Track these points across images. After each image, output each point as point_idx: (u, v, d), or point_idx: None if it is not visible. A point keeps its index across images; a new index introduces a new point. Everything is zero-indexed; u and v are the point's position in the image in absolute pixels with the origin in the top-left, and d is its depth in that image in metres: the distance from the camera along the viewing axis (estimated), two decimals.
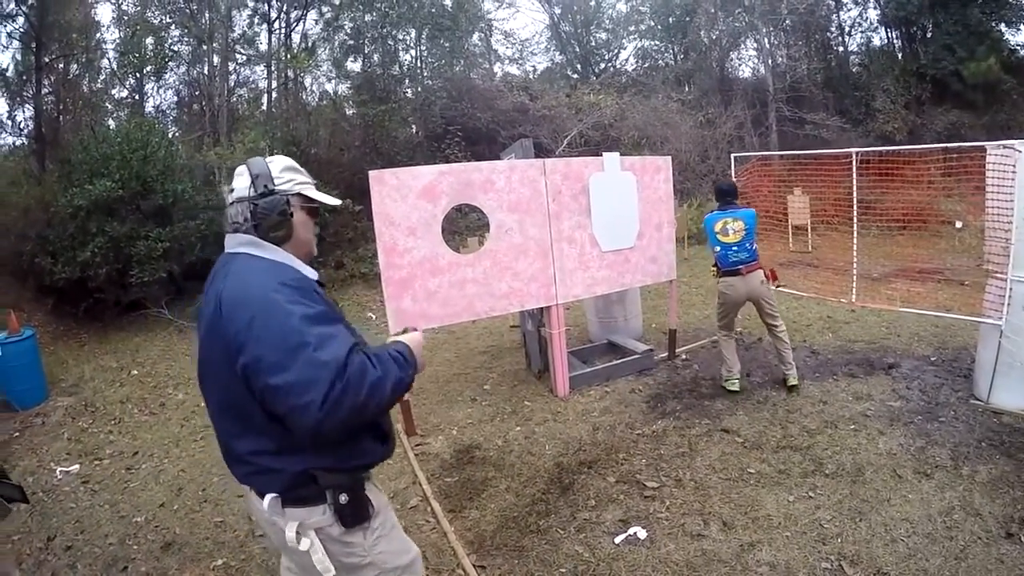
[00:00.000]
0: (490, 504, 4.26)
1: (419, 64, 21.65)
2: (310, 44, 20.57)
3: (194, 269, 11.16)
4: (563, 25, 27.65)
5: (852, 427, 5.10)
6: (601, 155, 6.33)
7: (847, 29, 30.79)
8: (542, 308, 6.09)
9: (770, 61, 26.05)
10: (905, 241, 12.34)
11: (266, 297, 1.74)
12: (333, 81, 21.56)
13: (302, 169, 2.13)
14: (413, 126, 19.56)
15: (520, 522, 4.02)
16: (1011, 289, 5.20)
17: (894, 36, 29.85)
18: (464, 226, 14.62)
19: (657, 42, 28.17)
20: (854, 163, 6.97)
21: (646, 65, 27.98)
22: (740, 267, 5.84)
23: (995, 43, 24.96)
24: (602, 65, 27.85)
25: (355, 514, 1.93)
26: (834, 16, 30.06)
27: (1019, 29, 28.24)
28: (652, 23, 27.78)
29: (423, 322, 5.37)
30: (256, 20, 20.19)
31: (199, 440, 6.11)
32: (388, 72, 19.94)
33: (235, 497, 4.62)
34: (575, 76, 26.48)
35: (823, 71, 26.49)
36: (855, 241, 7.29)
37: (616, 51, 28.68)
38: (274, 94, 20.80)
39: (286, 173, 2.03)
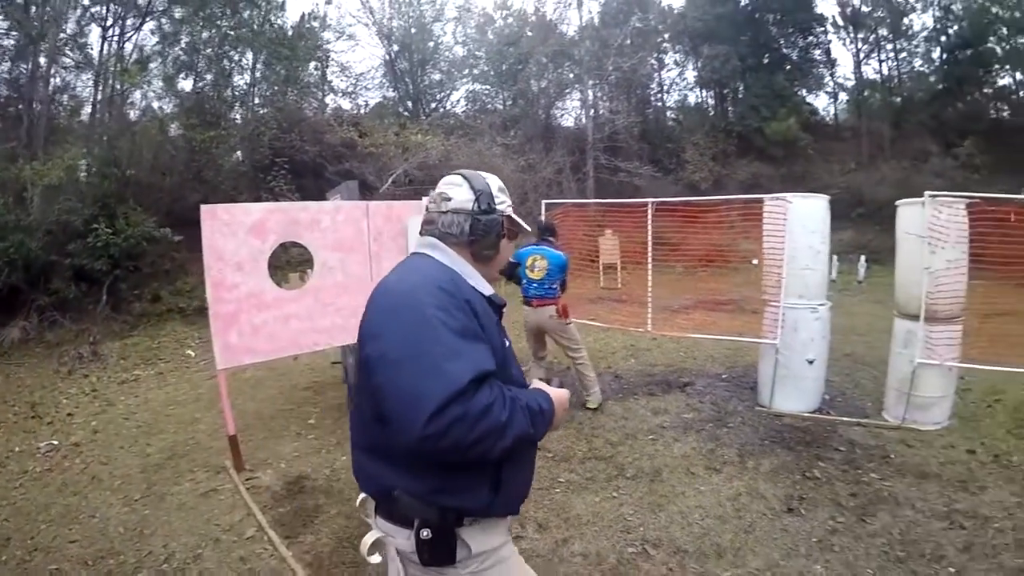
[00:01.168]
0: (323, 528, 4.43)
1: (252, 89, 21.22)
2: (144, 56, 19.28)
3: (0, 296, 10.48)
4: (400, 62, 28.02)
5: (650, 437, 5.83)
6: (423, 196, 6.70)
7: (666, 87, 33.53)
8: None
9: (592, 112, 27.67)
10: (707, 277, 13.70)
11: (413, 295, 1.70)
12: (162, 100, 20.27)
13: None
14: (239, 154, 19.05)
15: (354, 541, 4.15)
16: (783, 314, 6.40)
17: (708, 95, 32.77)
18: (285, 261, 14.50)
19: (488, 87, 29.23)
20: (649, 212, 7.78)
21: (476, 108, 28.82)
22: (532, 300, 6.41)
23: (795, 106, 27.95)
24: (433, 104, 28.42)
25: (435, 555, 1.76)
26: (656, 75, 32.62)
27: (817, 95, 31.79)
28: (486, 68, 28.88)
29: (248, 357, 5.48)
30: (85, 23, 18.52)
31: (18, 487, 5.74)
32: (220, 94, 19.46)
33: (67, 543, 4.48)
34: (406, 113, 26.80)
35: (640, 124, 28.24)
36: (650, 278, 8.10)
37: (448, 92, 29.38)
38: (98, 106, 18.87)
39: (501, 194, 2.02)
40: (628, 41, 29.11)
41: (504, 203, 2.02)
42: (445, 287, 1.73)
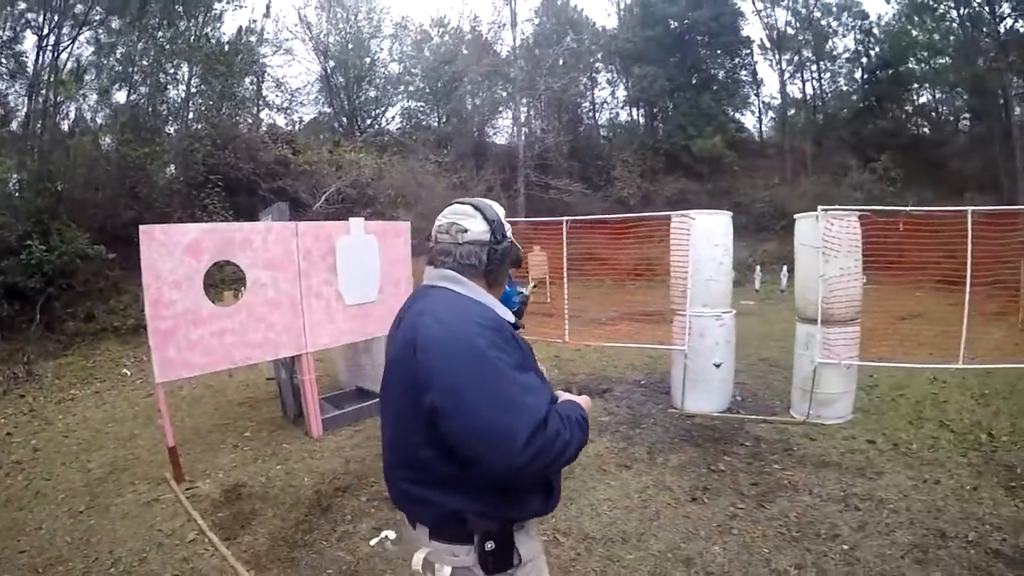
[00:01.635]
0: (260, 529, 4.65)
1: (187, 104, 20.71)
2: (79, 67, 18.32)
3: None
4: (336, 78, 28.06)
5: None
6: (354, 214, 6.93)
7: (598, 106, 34.30)
8: (294, 357, 6.55)
9: (524, 131, 28.25)
10: (635, 289, 14.16)
11: (469, 340, 1.74)
12: (96, 112, 19.13)
13: None
14: (173, 169, 18.58)
15: (288, 540, 4.47)
16: (690, 322, 6.91)
17: (638, 114, 33.62)
18: (219, 279, 14.21)
19: (423, 104, 29.50)
20: (564, 229, 8.20)
21: (411, 125, 29.08)
22: None
23: (721, 124, 28.85)
24: (368, 121, 28.50)
25: (498, 563, 1.89)
26: (588, 94, 33.35)
27: (743, 113, 32.91)
28: (421, 85, 29.16)
29: (185, 371, 5.65)
30: (20, 29, 17.32)
31: None
32: (155, 108, 18.97)
33: (16, 554, 4.52)
34: (340, 130, 26.81)
35: (571, 142, 28.92)
36: (566, 291, 8.53)
37: (384, 109, 29.50)
38: (30, 117, 17.77)
39: (506, 222, 2.09)
40: (561, 61, 29.88)
41: (508, 229, 2.10)
42: (489, 325, 1.81)
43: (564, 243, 8.35)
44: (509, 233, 2.08)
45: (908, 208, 6.84)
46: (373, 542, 4.44)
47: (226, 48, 20.72)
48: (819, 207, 6.54)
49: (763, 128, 35.10)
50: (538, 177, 25.79)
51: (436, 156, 23.56)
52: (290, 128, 25.60)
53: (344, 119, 28.13)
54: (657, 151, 29.42)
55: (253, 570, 4.08)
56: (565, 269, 8.48)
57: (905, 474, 5.32)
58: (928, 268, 6.86)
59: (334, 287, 6.71)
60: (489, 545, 1.86)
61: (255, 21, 23.21)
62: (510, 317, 1.99)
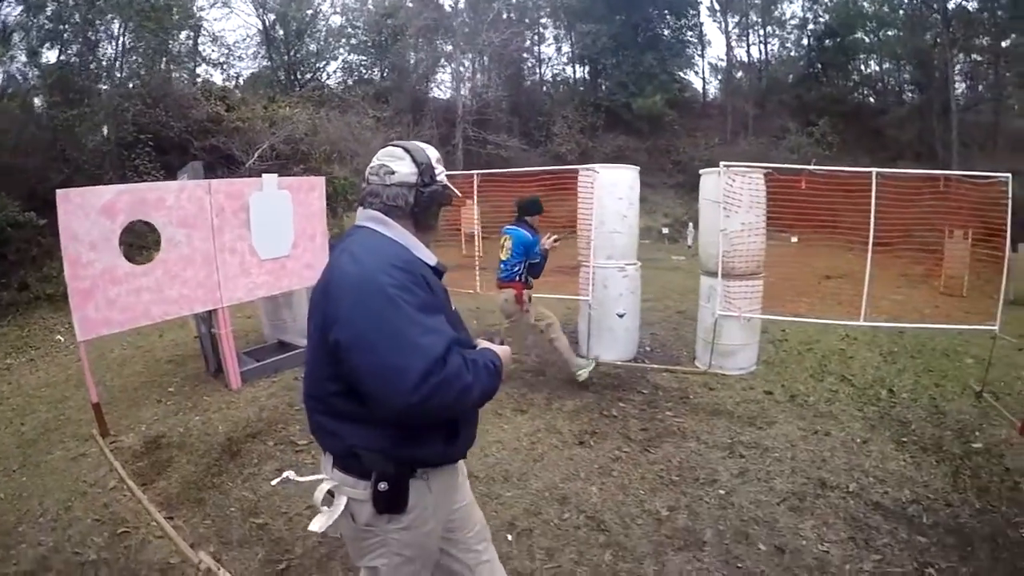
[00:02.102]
0: (174, 475, 4.85)
1: (119, 62, 19.82)
2: (6, 28, 17.63)
3: None
4: (276, 31, 27.38)
5: None
6: (287, 171, 6.96)
7: (543, 62, 34.18)
8: (211, 313, 6.69)
9: (467, 86, 28.15)
10: (573, 242, 14.46)
11: (374, 278, 1.77)
12: (25, 74, 18.54)
13: None
14: (106, 129, 17.65)
15: (198, 483, 4.68)
16: (594, 273, 7.18)
17: (583, 71, 33.66)
18: (152, 240, 13.86)
19: (365, 58, 29.09)
20: (475, 183, 8.58)
21: (352, 80, 28.68)
22: (497, 281, 6.33)
23: (663, 84, 29.07)
24: (308, 76, 27.92)
25: (389, 504, 1.93)
26: (535, 49, 33.20)
27: (686, 73, 33.17)
28: (364, 39, 28.67)
29: (106, 328, 5.75)
30: None
31: None
32: (86, 65, 18.20)
33: None
34: (279, 85, 26.30)
35: (512, 98, 28.98)
36: (479, 245, 9.10)
37: (325, 63, 28.97)
38: None
39: (439, 165, 2.11)
40: (505, 16, 29.76)
41: (441, 172, 2.12)
42: (400, 265, 1.83)
43: (475, 195, 8.71)
44: (441, 177, 2.11)
45: (811, 167, 7.04)
46: (274, 481, 4.57)
47: (160, 1, 19.60)
48: (721, 163, 6.71)
49: (707, 89, 35.58)
50: (476, 132, 25.68)
51: (375, 111, 23.20)
52: (227, 84, 25.03)
53: (283, 74, 27.63)
54: (598, 108, 29.66)
55: (164, 511, 4.28)
56: (477, 224, 8.97)
57: (796, 425, 5.56)
58: (861, 230, 7.06)
59: (248, 242, 6.81)
60: (382, 485, 1.90)
61: None
62: (431, 260, 2.05)
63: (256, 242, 6.89)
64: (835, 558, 3.61)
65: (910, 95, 30.09)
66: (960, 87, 27.27)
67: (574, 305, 8.73)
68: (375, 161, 2.08)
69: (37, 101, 17.69)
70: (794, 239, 15.20)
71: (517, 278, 6.22)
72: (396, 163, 2.04)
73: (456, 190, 2.22)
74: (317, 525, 1.93)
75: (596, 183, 7.19)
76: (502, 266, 6.25)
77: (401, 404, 1.68)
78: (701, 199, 7.19)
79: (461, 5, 29.38)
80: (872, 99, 31.73)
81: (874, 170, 6.79)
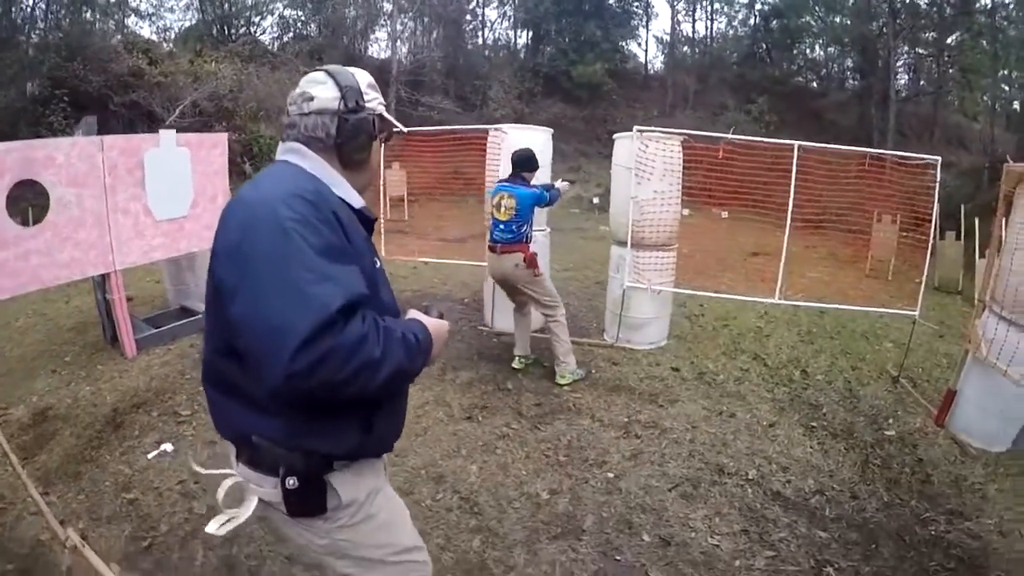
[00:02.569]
0: (56, 448, 4.66)
1: (47, 7, 18.82)
2: None
3: None
4: None
5: None
6: (210, 129, 6.65)
7: (485, 26, 33.75)
8: (104, 276, 6.40)
9: (399, 45, 27.56)
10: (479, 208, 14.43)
11: (271, 208, 1.43)
12: None
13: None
14: (29, 86, 16.93)
15: (78, 456, 4.51)
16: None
17: (527, 35, 33.32)
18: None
19: (301, 13, 28.13)
20: (381, 147, 8.14)
21: (289, 36, 27.78)
22: (497, 245, 5.66)
23: (604, 53, 28.91)
24: (243, 30, 26.85)
25: (303, 505, 1.60)
26: (478, 11, 32.74)
27: (628, 44, 33.09)
28: None
29: None
30: None
31: None
32: (8, 15, 17.36)
33: None
34: (210, 39, 24.98)
35: (449, 60, 28.64)
36: (383, 208, 8.81)
37: (262, 16, 27.83)
38: None
39: (371, 91, 1.79)
40: None
41: (375, 100, 1.79)
42: (307, 196, 1.49)
43: (382, 159, 8.22)
44: (374, 104, 1.78)
45: (729, 136, 6.85)
46: (151, 455, 4.51)
47: None
48: (635, 127, 6.47)
49: (649, 61, 35.52)
50: (409, 93, 25.12)
51: (308, 68, 22.15)
52: (155, 37, 24.04)
53: (218, 27, 26.50)
54: (537, 74, 29.28)
55: (42, 486, 4.13)
56: (383, 185, 8.59)
57: (701, 404, 5.40)
58: (797, 210, 6.92)
59: (143, 202, 6.49)
60: (291, 482, 1.55)
61: None
62: (356, 202, 1.72)
63: (152, 202, 6.55)
64: (725, 553, 3.46)
65: (852, 82, 30.43)
66: (903, 79, 27.71)
67: (479, 273, 8.58)
68: (295, 89, 1.75)
69: None
70: (724, 214, 15.32)
71: (525, 239, 5.62)
72: (316, 88, 1.70)
73: (397, 122, 1.94)
74: (214, 527, 1.57)
75: (504, 145, 6.81)
76: (502, 227, 5.58)
77: (278, 374, 1.27)
78: (613, 165, 6.90)
79: None
80: (815, 83, 32.05)
81: (796, 143, 6.57)
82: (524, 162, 5.65)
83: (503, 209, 5.54)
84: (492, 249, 5.71)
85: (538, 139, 6.90)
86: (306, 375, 1.27)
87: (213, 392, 1.64)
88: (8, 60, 16.17)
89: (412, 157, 13.47)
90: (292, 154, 1.69)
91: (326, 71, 1.74)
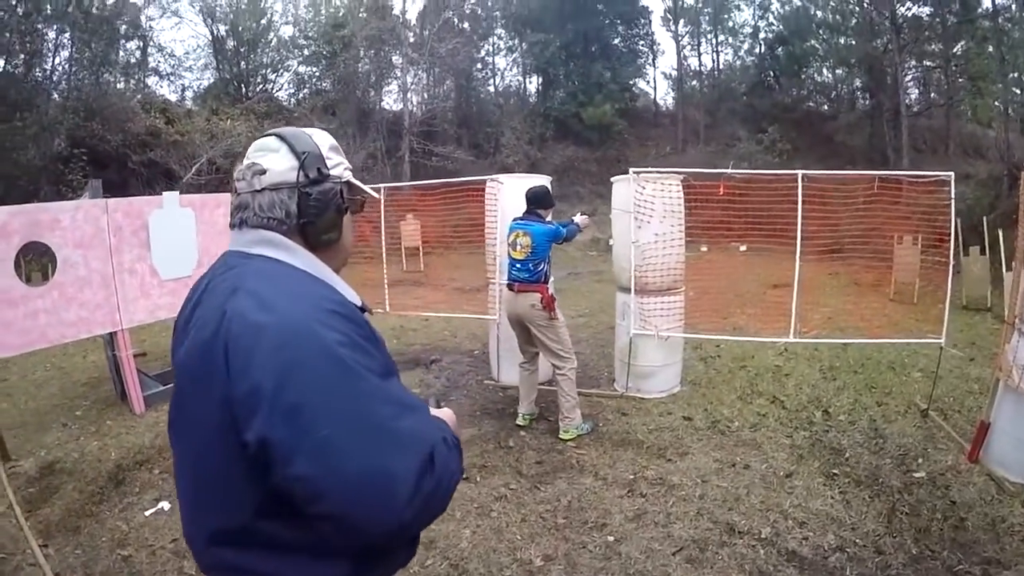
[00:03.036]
0: (59, 502, 4.73)
1: (68, 69, 19.38)
2: None
3: None
4: (229, 41, 26.99)
5: None
6: (227, 186, 6.66)
7: (493, 72, 34.21)
8: (112, 335, 6.50)
9: (411, 97, 28.05)
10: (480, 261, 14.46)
11: (310, 333, 1.16)
12: None
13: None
14: (55, 143, 17.21)
15: (79, 511, 4.57)
16: (500, 291, 6.50)
17: (536, 81, 33.71)
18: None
19: (315, 69, 28.68)
20: (382, 197, 8.16)
21: (304, 92, 28.42)
22: (513, 284, 5.48)
23: (613, 93, 29.14)
24: (259, 88, 27.59)
25: None
26: (488, 59, 33.21)
27: (635, 83, 33.37)
28: (317, 49, 28.28)
29: (2, 351, 5.58)
30: None
31: None
32: (31, 75, 17.97)
33: None
34: (227, 98, 25.51)
35: (461, 108, 29.20)
36: (384, 261, 8.51)
37: (278, 73, 28.68)
38: None
39: (334, 154, 1.49)
40: (464, 25, 29.96)
41: (340, 165, 1.49)
42: (339, 310, 1.25)
43: (382, 211, 8.41)
44: (340, 170, 1.48)
45: (728, 171, 6.73)
46: (148, 512, 4.54)
47: (108, 11, 19.50)
48: (631, 169, 6.35)
49: (658, 98, 35.90)
50: (421, 144, 25.44)
51: (323, 123, 22.61)
52: (172, 96, 24.63)
53: (234, 86, 27.02)
54: (548, 118, 29.59)
55: (42, 538, 4.20)
56: (383, 236, 8.43)
57: (712, 456, 5.06)
58: (814, 238, 6.69)
59: (148, 262, 6.60)
60: None
61: None
62: (357, 300, 1.41)
63: (157, 262, 6.67)
64: None
65: (863, 102, 30.23)
66: (913, 93, 27.75)
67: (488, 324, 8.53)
68: (242, 161, 1.43)
69: None
70: (743, 248, 15.15)
71: (543, 279, 5.42)
72: (268, 158, 1.38)
73: (369, 189, 1.61)
74: None
75: (500, 195, 6.79)
76: (518, 266, 5.42)
77: (390, 525, 1.12)
78: (613, 209, 6.77)
79: (411, 15, 29.37)
80: (826, 107, 31.96)
81: (800, 172, 6.41)
82: (539, 199, 5.51)
83: (519, 247, 5.39)
84: (509, 287, 5.53)
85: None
86: (416, 519, 1.17)
87: (244, 555, 1.26)
88: (29, 120, 16.53)
89: (426, 209, 13.55)
90: (269, 247, 1.37)
91: (277, 135, 1.43)
